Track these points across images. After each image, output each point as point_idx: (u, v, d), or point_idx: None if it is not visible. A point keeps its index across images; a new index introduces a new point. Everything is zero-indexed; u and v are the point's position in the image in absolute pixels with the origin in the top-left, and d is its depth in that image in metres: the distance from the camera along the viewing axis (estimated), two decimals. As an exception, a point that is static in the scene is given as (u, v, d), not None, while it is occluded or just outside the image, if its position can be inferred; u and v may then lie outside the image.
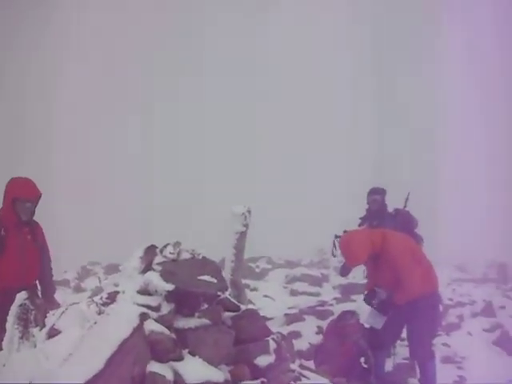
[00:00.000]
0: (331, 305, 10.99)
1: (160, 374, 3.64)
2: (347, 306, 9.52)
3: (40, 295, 5.86)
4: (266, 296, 12.88)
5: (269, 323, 8.97)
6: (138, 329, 3.77)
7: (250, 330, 4.45)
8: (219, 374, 3.94)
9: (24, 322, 4.22)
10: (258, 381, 4.13)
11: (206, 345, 4.02)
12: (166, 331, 3.95)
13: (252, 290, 14.00)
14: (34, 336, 4.13)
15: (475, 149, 38.72)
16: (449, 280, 16.04)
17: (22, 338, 4.17)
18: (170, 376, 3.72)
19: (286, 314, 9.82)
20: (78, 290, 15.79)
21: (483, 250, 21.20)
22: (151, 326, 3.90)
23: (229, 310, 4.56)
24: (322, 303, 11.18)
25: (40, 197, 5.79)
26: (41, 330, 4.13)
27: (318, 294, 13.37)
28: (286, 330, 8.70)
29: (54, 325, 4.06)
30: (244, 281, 14.15)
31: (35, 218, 5.93)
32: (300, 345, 8.23)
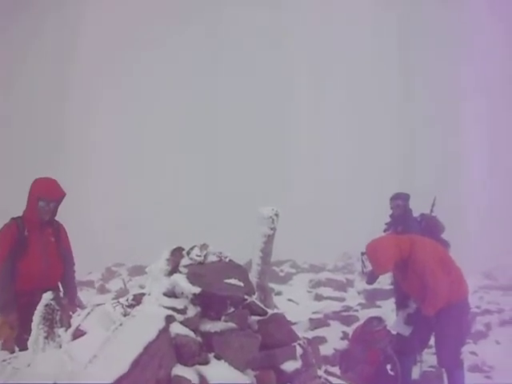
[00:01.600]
0: (356, 310, 10.90)
1: (185, 378, 3.59)
2: (372, 312, 9.43)
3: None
4: (290, 300, 12.86)
5: (293, 328, 8.99)
6: (164, 331, 3.73)
7: (276, 334, 4.38)
8: (245, 378, 3.88)
9: (49, 322, 4.21)
10: (285, 386, 4.08)
11: (232, 349, 3.96)
12: (192, 334, 3.91)
13: (276, 293, 13.97)
14: (59, 336, 4.11)
15: (503, 151, 38.17)
16: (476, 287, 15.79)
17: (47, 338, 4.16)
18: (195, 380, 3.66)
19: (310, 319, 9.76)
20: (103, 291, 15.86)
21: (510, 256, 20.87)
22: (177, 328, 3.86)
23: (255, 314, 4.50)
24: (347, 308, 11.09)
25: (64, 197, 5.78)
26: (66, 330, 4.11)
27: (342, 299, 13.30)
28: (310, 335, 8.62)
29: (79, 326, 4.04)
30: (269, 285, 14.17)
31: (61, 220, 5.92)
32: (325, 350, 8.12)
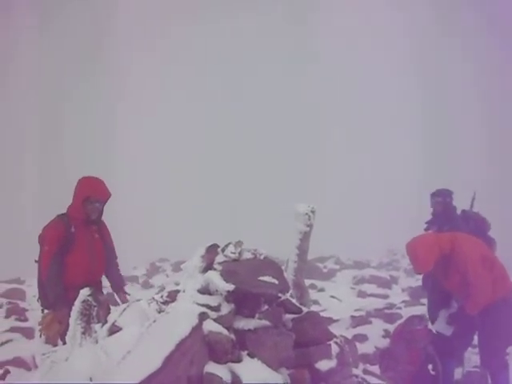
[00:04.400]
0: (399, 308, 10.70)
1: (217, 376, 3.60)
2: (416, 310, 9.23)
3: (111, 290, 5.98)
4: (332, 297, 12.74)
5: (334, 325, 8.93)
6: (197, 329, 3.73)
7: (311, 333, 4.33)
8: (278, 377, 3.85)
9: (86, 318, 4.25)
10: (319, 386, 4.03)
11: (266, 347, 3.94)
12: (225, 332, 3.90)
13: (319, 290, 13.90)
14: (95, 332, 4.16)
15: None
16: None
17: (84, 333, 4.20)
18: (227, 377, 3.67)
19: (352, 316, 9.65)
20: (146, 286, 16.03)
21: None
22: (210, 326, 3.86)
23: (290, 312, 4.47)
24: (390, 306, 10.92)
25: (109, 197, 5.84)
26: (102, 326, 4.16)
27: (386, 297, 13.12)
28: (351, 333, 8.53)
29: (115, 322, 4.09)
30: (311, 281, 14.11)
31: (108, 217, 6.00)
32: (366, 348, 8.02)
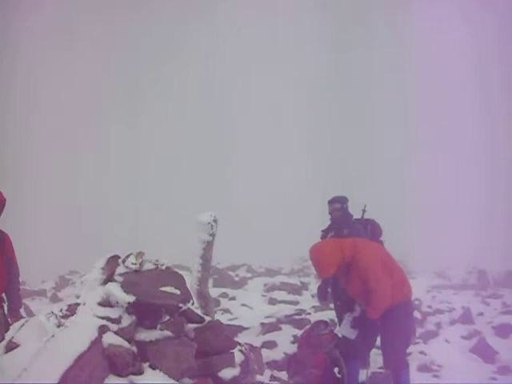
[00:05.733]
0: (309, 313, 10.87)
1: (117, 389, 3.56)
2: (325, 315, 9.44)
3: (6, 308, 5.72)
4: (244, 305, 12.79)
5: (245, 333, 8.97)
6: (96, 342, 3.68)
7: (213, 342, 4.36)
8: (180, 387, 3.86)
9: (-18, 336, 4.12)
10: (222, 394, 4.06)
11: (167, 358, 3.94)
12: (126, 344, 3.86)
13: (230, 298, 13.91)
14: (-9, 350, 4.02)
15: (452, 153, 38.86)
16: (428, 287, 16.00)
17: (-20, 351, 4.06)
18: (128, 390, 3.64)
19: (262, 324, 9.71)
20: (55, 299, 15.57)
21: (463, 256, 21.22)
22: (110, 338, 3.81)
23: (192, 322, 4.47)
24: (300, 312, 11.07)
25: (4, 204, 5.61)
26: (-1, 343, 4.03)
27: (296, 303, 13.27)
28: (261, 340, 8.59)
29: (12, 338, 3.96)
30: (223, 289, 14.13)
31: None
32: (275, 355, 8.09)
